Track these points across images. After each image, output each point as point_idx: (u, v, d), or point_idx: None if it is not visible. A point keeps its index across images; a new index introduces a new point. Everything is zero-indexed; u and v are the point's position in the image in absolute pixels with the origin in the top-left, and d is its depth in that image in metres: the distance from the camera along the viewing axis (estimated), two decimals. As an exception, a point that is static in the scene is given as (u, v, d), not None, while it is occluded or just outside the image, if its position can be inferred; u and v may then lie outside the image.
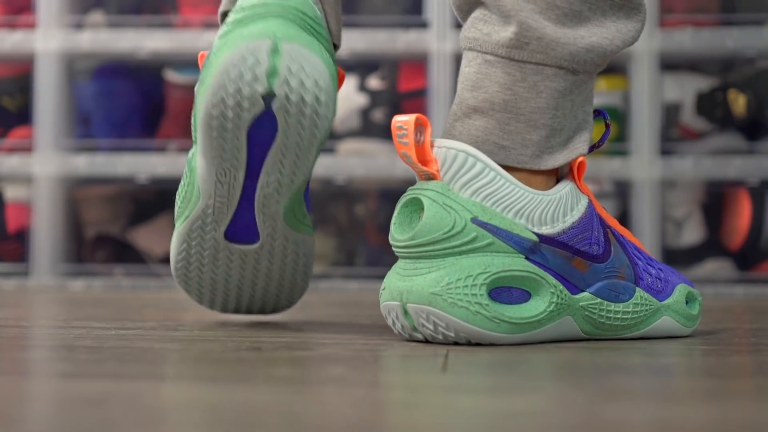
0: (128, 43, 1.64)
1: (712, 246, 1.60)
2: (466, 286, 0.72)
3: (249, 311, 0.92)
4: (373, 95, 1.65)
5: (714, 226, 1.61)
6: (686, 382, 0.59)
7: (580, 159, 0.77)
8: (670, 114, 1.63)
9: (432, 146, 0.74)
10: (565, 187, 0.77)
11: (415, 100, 1.65)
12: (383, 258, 1.64)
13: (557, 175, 0.78)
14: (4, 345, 0.76)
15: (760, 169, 1.55)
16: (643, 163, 1.57)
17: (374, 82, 1.66)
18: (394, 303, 0.74)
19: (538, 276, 0.74)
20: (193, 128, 0.81)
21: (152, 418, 0.45)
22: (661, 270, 0.81)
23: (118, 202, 1.70)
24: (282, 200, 0.82)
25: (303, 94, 0.76)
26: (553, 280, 0.74)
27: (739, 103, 1.60)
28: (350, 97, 1.64)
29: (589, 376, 0.61)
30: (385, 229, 1.65)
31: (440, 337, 0.73)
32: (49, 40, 1.64)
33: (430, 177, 0.74)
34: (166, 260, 1.66)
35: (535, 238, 0.74)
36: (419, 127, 0.73)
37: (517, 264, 0.73)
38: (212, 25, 1.66)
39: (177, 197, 0.86)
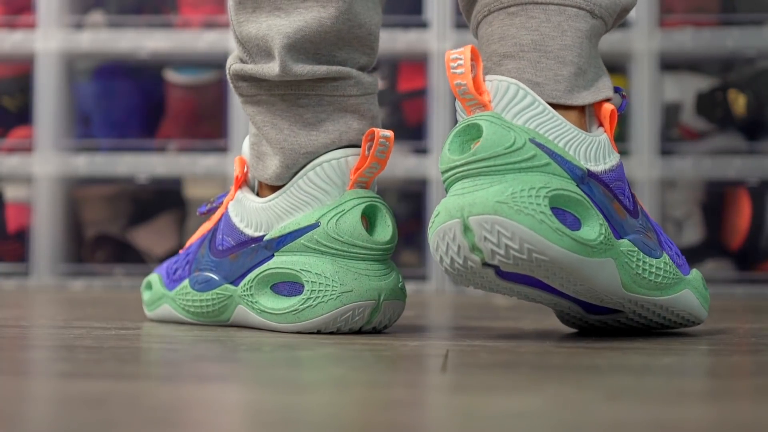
0: (128, 43, 1.64)
1: (712, 246, 1.60)
2: (530, 196, 0.71)
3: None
4: (373, 95, 1.65)
5: (714, 226, 1.61)
6: (686, 382, 0.59)
7: (611, 108, 0.78)
8: (670, 114, 1.63)
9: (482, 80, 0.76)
10: (602, 134, 0.77)
11: (415, 100, 1.65)
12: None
13: (586, 123, 0.79)
14: (4, 345, 0.76)
15: (760, 169, 1.55)
16: (643, 163, 1.57)
17: (374, 82, 1.66)
18: (452, 222, 0.71)
19: (589, 204, 0.73)
20: (248, 291, 0.85)
21: (152, 418, 0.45)
22: (678, 252, 0.82)
23: (118, 202, 1.70)
24: None
25: (381, 328, 0.83)
26: (600, 215, 0.74)
27: (739, 103, 1.60)
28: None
29: (589, 376, 0.61)
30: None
31: (501, 251, 0.70)
32: (49, 40, 1.64)
33: (481, 108, 0.74)
34: (165, 260, 1.66)
35: (585, 168, 0.74)
36: (473, 59, 0.74)
37: (572, 187, 0.73)
38: (212, 25, 1.66)
39: (185, 292, 0.90)
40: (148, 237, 1.69)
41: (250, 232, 0.84)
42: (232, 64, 0.85)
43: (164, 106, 1.69)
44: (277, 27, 0.82)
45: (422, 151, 1.60)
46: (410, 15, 1.64)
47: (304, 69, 0.82)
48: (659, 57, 1.58)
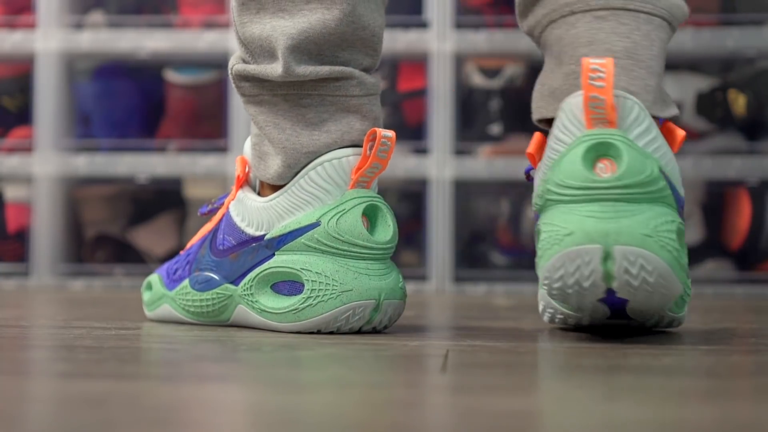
0: (128, 43, 1.64)
1: (712, 246, 1.60)
2: (667, 230, 0.71)
3: None
4: (373, 95, 1.65)
5: (714, 226, 1.61)
6: (686, 382, 0.59)
7: (683, 134, 0.78)
8: (670, 114, 1.63)
9: None
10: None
11: (415, 100, 1.65)
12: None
13: None
14: (4, 345, 0.76)
15: (760, 169, 1.55)
16: (643, 163, 1.57)
17: (374, 82, 1.66)
18: (592, 246, 0.70)
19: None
20: (248, 290, 0.84)
21: (152, 418, 0.45)
22: None
23: (118, 202, 1.70)
24: None
25: (381, 328, 0.83)
26: None
27: (739, 103, 1.60)
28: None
29: (589, 376, 0.61)
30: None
31: (635, 283, 0.70)
32: (49, 40, 1.64)
33: (605, 123, 0.72)
34: (165, 260, 1.66)
35: (683, 195, 0.75)
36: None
37: (679, 218, 0.73)
38: (212, 25, 1.66)
39: (186, 292, 0.89)
40: (148, 237, 1.69)
41: (252, 231, 0.84)
42: (235, 65, 0.85)
43: (164, 106, 1.69)
44: (281, 28, 0.82)
45: (422, 151, 1.60)
46: (410, 15, 1.64)
47: (306, 70, 0.82)
48: (659, 57, 1.58)
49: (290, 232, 0.82)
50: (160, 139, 1.68)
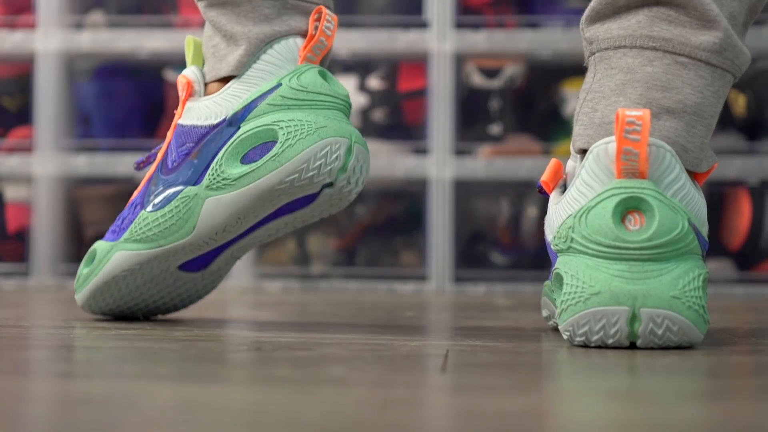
0: (128, 43, 1.64)
1: (712, 246, 1.60)
2: (695, 288, 0.71)
3: (147, 315, 0.93)
4: (373, 95, 1.65)
5: (714, 226, 1.61)
6: (686, 382, 0.59)
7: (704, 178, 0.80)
8: (670, 114, 1.63)
9: None
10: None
11: (415, 100, 1.65)
12: (382, 258, 1.64)
13: None
14: (4, 345, 0.76)
15: (760, 169, 1.55)
16: (643, 163, 1.57)
17: (374, 82, 1.66)
18: (618, 308, 0.70)
19: None
20: (215, 172, 0.83)
21: (152, 418, 0.45)
22: None
23: (118, 202, 1.70)
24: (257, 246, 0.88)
25: (355, 186, 0.84)
26: None
27: (739, 103, 1.60)
28: (350, 97, 1.63)
29: (589, 376, 0.61)
30: (381, 230, 1.65)
31: (659, 341, 0.71)
32: (49, 40, 1.64)
33: (636, 173, 0.72)
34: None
35: (707, 238, 0.76)
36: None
37: (705, 266, 0.74)
38: (212, 25, 1.66)
39: (140, 220, 0.86)
40: (148, 237, 1.69)
41: (211, 121, 0.85)
42: None
43: (164, 106, 1.69)
44: None
45: (422, 151, 1.60)
46: (410, 15, 1.64)
47: None
48: (659, 57, 1.58)
49: (252, 101, 0.84)
50: (160, 139, 1.68)
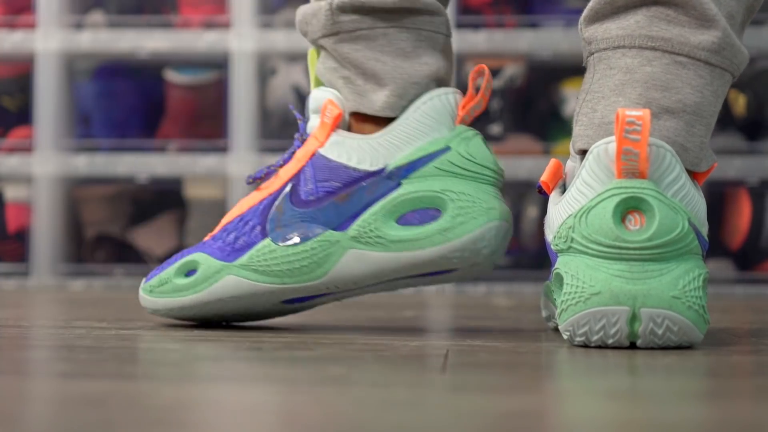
0: (128, 43, 1.64)
1: (712, 246, 1.60)
2: (695, 288, 0.71)
3: None
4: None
5: (714, 226, 1.61)
6: (686, 382, 0.59)
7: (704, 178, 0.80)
8: (670, 114, 1.63)
9: None
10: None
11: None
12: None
13: None
14: (4, 345, 0.76)
15: (760, 169, 1.55)
16: (643, 163, 1.57)
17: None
18: (618, 308, 0.70)
19: None
20: (368, 226, 0.80)
21: (152, 418, 0.45)
22: None
23: (118, 202, 1.70)
24: None
25: (498, 260, 0.81)
26: None
27: (739, 103, 1.60)
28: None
29: (589, 376, 0.61)
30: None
31: (659, 341, 0.71)
32: (49, 40, 1.64)
33: (636, 173, 0.72)
34: (165, 260, 1.66)
35: (707, 238, 0.76)
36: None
37: (705, 266, 0.74)
38: (212, 25, 1.66)
39: (266, 250, 0.81)
40: (148, 237, 1.69)
41: (366, 167, 0.81)
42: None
43: (164, 106, 1.69)
44: None
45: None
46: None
47: (425, 1, 0.83)
48: (659, 57, 1.58)
49: (419, 159, 0.80)
50: (160, 139, 1.68)
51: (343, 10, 0.83)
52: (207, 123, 1.68)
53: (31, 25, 1.66)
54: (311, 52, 0.86)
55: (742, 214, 1.58)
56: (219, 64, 1.66)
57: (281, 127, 1.65)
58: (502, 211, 0.80)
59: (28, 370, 0.64)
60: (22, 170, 1.63)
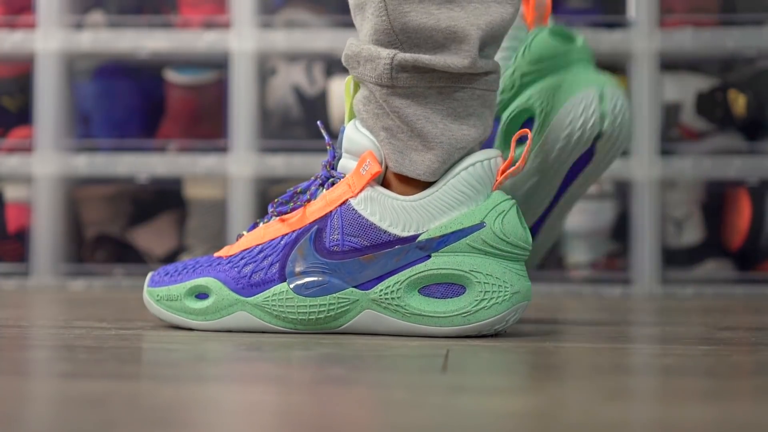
0: (128, 43, 1.64)
1: (712, 246, 1.60)
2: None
3: None
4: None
5: (714, 226, 1.61)
6: (686, 382, 0.59)
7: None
8: (670, 114, 1.63)
9: None
10: None
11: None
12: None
13: None
14: (4, 345, 0.76)
15: (760, 169, 1.55)
16: (643, 163, 1.57)
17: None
18: (590, 90, 0.87)
19: None
20: (392, 293, 0.80)
21: (152, 418, 0.45)
22: None
23: (118, 202, 1.70)
24: None
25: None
26: None
27: (739, 103, 1.60)
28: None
29: (589, 376, 0.61)
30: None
31: (618, 120, 0.87)
32: (49, 40, 1.64)
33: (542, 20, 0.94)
34: (165, 260, 1.66)
35: None
36: None
37: None
38: (212, 25, 1.66)
39: (282, 296, 0.82)
40: (148, 237, 1.69)
41: (397, 231, 0.81)
42: (395, 54, 0.81)
43: (164, 106, 1.69)
44: (464, 19, 0.81)
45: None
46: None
47: (484, 63, 0.82)
48: (659, 57, 1.58)
49: (453, 233, 0.80)
50: (160, 139, 1.68)
51: (404, 68, 0.81)
52: (207, 123, 1.68)
53: (31, 25, 1.66)
54: (349, 81, 0.84)
55: (742, 214, 1.58)
56: (219, 64, 1.66)
57: (281, 127, 1.65)
58: (526, 293, 0.80)
59: (28, 370, 0.64)
60: (22, 170, 1.63)
